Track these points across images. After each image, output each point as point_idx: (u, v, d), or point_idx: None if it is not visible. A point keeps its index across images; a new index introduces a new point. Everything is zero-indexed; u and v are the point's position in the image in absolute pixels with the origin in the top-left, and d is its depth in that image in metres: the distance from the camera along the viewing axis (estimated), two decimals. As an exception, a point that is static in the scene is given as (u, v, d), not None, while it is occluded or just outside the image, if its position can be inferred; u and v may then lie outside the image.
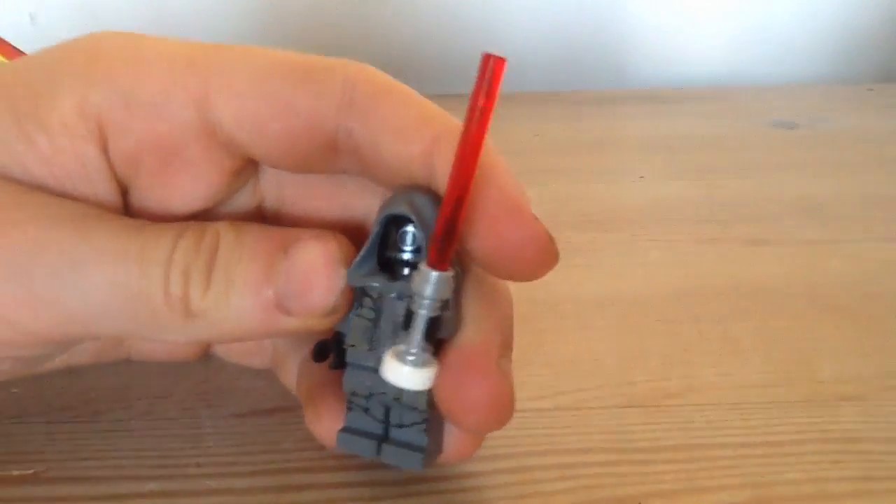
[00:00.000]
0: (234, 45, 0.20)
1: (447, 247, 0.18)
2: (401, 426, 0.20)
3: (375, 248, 0.20)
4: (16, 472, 0.22)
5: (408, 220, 0.19)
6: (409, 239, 0.20)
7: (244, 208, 0.23)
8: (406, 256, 0.20)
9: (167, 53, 0.20)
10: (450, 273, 0.18)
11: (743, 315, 0.31)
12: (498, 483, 0.22)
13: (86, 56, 0.20)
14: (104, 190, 0.20)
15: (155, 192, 0.21)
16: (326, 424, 0.21)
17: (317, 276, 0.19)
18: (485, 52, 0.17)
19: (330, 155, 0.20)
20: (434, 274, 0.18)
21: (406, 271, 0.20)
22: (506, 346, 0.21)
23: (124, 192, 0.21)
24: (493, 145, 0.19)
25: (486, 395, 0.19)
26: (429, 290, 0.18)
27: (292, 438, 0.24)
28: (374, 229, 0.19)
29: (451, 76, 0.68)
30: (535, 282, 0.33)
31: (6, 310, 0.18)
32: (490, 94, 0.17)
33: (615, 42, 0.69)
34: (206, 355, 0.26)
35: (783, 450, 0.23)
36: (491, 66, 0.17)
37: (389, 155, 0.19)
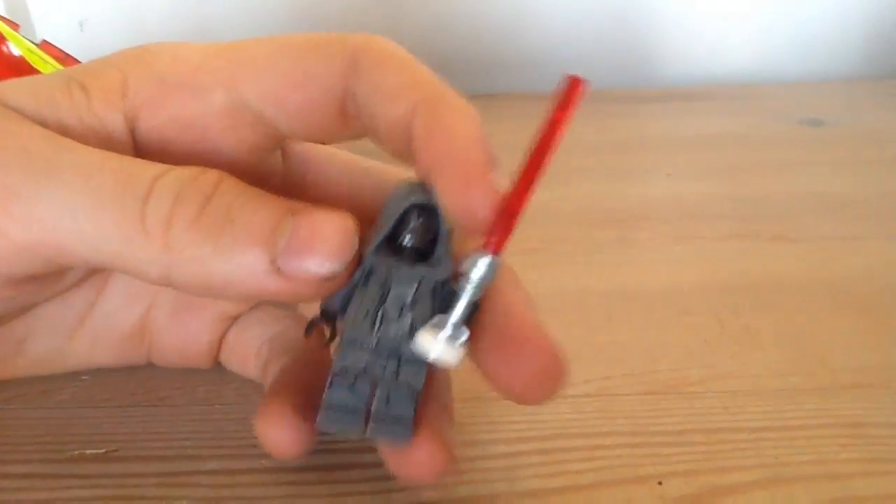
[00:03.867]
0: (259, 37, 0.22)
1: (505, 235, 0.19)
2: (388, 402, 0.20)
3: (392, 229, 0.20)
4: (89, 452, 0.25)
5: (419, 211, 0.20)
6: (412, 227, 0.20)
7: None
8: (407, 243, 0.20)
9: (200, 48, 0.22)
10: (500, 259, 0.19)
11: (762, 309, 0.32)
12: (528, 463, 0.24)
13: (133, 52, 0.23)
14: (123, 151, 0.21)
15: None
16: (273, 429, 0.21)
17: (324, 240, 0.19)
18: (569, 74, 0.19)
19: (342, 121, 0.22)
20: (488, 259, 0.19)
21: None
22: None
23: None
24: (455, 101, 0.20)
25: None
26: (476, 274, 0.19)
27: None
28: (393, 214, 0.20)
29: (481, 76, 0.69)
30: (563, 276, 0.35)
31: None
32: (563, 108, 0.19)
33: (642, 41, 0.70)
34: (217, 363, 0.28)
35: (796, 434, 0.25)
36: (569, 83, 0.19)
37: (380, 116, 0.20)
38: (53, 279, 0.23)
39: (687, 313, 0.32)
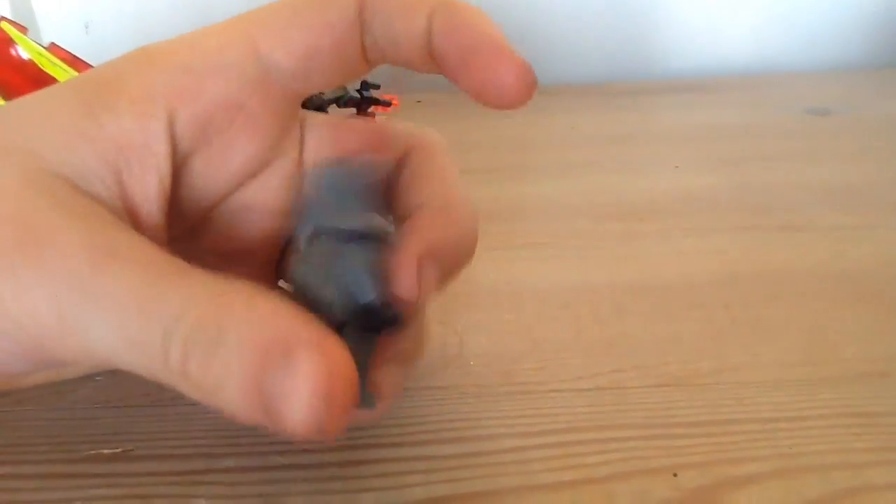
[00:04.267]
0: (265, 5, 0.23)
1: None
2: None
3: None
4: (106, 451, 0.25)
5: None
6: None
7: (287, 174, 0.25)
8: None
9: (209, 31, 0.23)
10: None
11: (773, 299, 0.32)
12: (541, 456, 0.24)
13: (143, 52, 0.22)
14: (162, 167, 0.22)
15: (217, 158, 0.23)
16: None
17: (300, 404, 0.17)
18: None
19: (363, 58, 0.23)
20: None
21: None
22: (438, 256, 0.22)
23: (180, 170, 0.23)
24: (466, 4, 0.22)
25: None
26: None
27: (352, 418, 0.26)
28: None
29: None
30: (573, 270, 0.35)
31: (39, 329, 0.19)
32: None
33: (647, 33, 0.70)
34: None
35: (809, 423, 0.25)
36: None
37: (401, 33, 0.22)
38: None
39: (697, 305, 0.32)
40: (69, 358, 0.20)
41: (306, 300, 0.22)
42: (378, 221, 0.23)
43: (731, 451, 0.24)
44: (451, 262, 0.23)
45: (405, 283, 0.21)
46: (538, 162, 0.49)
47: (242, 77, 0.22)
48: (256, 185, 0.24)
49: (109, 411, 0.27)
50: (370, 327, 0.22)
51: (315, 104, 0.45)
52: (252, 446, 0.25)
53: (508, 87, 0.21)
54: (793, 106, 0.58)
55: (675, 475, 0.23)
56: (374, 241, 0.22)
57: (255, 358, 0.18)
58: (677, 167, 0.47)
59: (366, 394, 0.21)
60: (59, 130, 0.21)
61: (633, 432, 0.25)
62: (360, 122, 0.27)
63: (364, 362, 0.21)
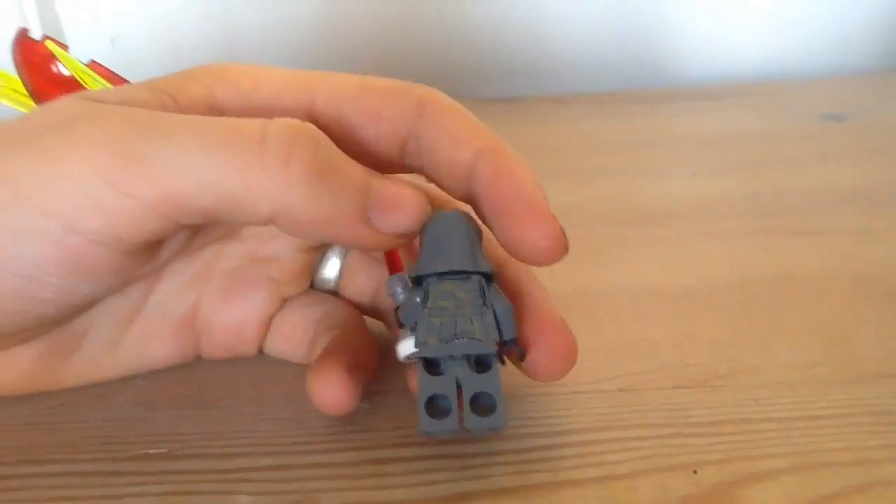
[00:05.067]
0: (338, 73, 0.25)
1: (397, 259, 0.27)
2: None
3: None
4: (152, 451, 0.26)
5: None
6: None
7: None
8: None
9: (281, 72, 0.25)
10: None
11: (789, 302, 0.33)
12: (566, 454, 0.25)
13: (216, 69, 0.24)
14: None
15: None
16: (323, 386, 0.25)
17: (406, 204, 0.22)
18: None
19: (400, 158, 0.25)
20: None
21: None
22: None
23: None
24: (513, 151, 0.24)
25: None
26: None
27: (386, 418, 0.27)
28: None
29: (502, 81, 0.70)
30: (592, 274, 0.36)
31: (105, 166, 0.21)
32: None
33: (659, 41, 0.71)
34: (262, 352, 0.31)
35: (825, 422, 0.26)
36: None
37: (444, 159, 0.24)
38: (156, 251, 0.25)
39: (714, 308, 0.33)
40: (123, 217, 0.21)
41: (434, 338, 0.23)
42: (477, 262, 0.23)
43: (748, 448, 0.25)
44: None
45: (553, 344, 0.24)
46: (556, 169, 0.50)
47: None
48: None
49: (153, 412, 0.28)
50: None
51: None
52: (291, 445, 0.26)
53: (542, 249, 0.23)
54: (807, 111, 0.58)
55: (694, 472, 0.24)
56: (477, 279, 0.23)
57: (360, 169, 0.22)
58: (693, 173, 0.48)
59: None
60: (123, 97, 0.23)
61: (653, 431, 0.26)
62: None
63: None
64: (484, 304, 0.23)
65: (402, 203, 0.22)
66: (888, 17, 0.70)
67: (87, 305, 0.26)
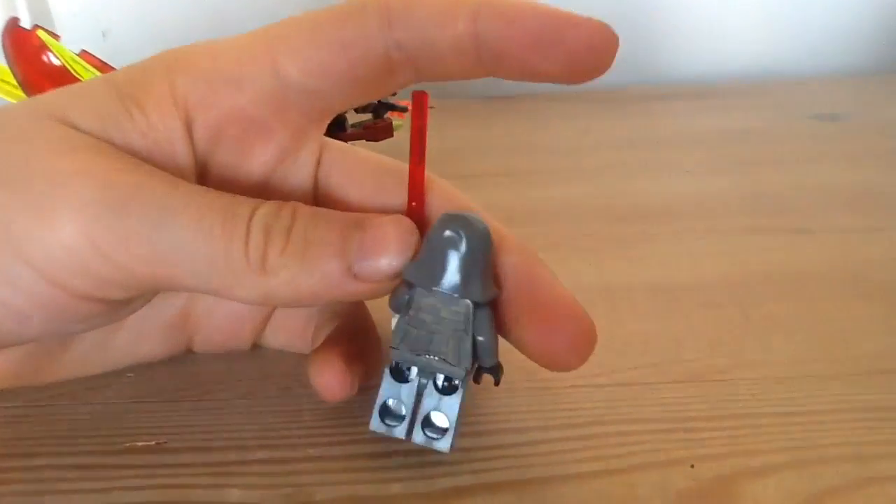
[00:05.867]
0: (286, 19, 0.24)
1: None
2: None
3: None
4: (140, 444, 0.26)
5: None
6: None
7: (300, 187, 0.26)
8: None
9: (232, 42, 0.23)
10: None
11: (785, 299, 0.33)
12: (564, 448, 0.25)
13: (169, 56, 0.23)
14: (185, 164, 0.23)
15: (233, 162, 0.24)
16: (322, 374, 0.24)
17: (388, 242, 0.22)
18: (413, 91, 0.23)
19: (388, 75, 0.23)
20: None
21: None
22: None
23: (202, 170, 0.24)
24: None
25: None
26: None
27: (379, 412, 0.27)
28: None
29: (495, 78, 0.70)
30: (589, 271, 0.36)
31: (103, 242, 0.20)
32: (420, 117, 0.23)
33: (654, 39, 0.71)
34: (256, 345, 0.30)
35: (822, 418, 0.26)
36: (416, 97, 0.23)
37: (440, 44, 0.21)
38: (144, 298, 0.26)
39: (712, 305, 0.33)
40: (96, 288, 0.21)
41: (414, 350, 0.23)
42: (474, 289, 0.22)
43: (746, 443, 0.25)
44: None
45: None
46: (552, 166, 0.50)
47: (257, 91, 0.23)
48: (271, 194, 0.25)
49: (142, 405, 0.27)
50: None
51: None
52: (283, 439, 0.25)
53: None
54: (801, 111, 0.58)
55: (692, 466, 0.24)
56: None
57: (336, 230, 0.22)
58: (689, 171, 0.48)
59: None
60: (93, 111, 0.22)
61: (651, 426, 0.26)
62: (383, 163, 0.27)
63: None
64: (465, 330, 0.22)
65: (383, 247, 0.22)
66: (881, 17, 0.70)
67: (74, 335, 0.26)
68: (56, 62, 0.34)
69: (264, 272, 0.21)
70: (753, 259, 0.36)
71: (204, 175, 0.24)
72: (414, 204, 0.24)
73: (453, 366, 0.22)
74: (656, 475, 0.23)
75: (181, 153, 0.23)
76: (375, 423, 0.23)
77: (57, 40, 0.34)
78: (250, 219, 0.21)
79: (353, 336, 0.27)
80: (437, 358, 0.22)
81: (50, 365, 0.27)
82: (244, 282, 0.21)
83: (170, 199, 0.21)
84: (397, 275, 0.22)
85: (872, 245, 0.37)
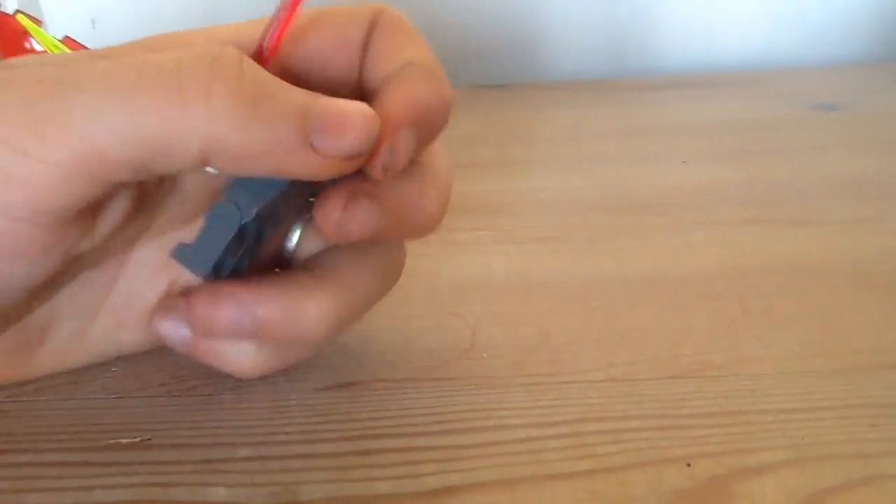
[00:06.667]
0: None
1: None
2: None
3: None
4: (124, 441, 0.25)
5: None
6: None
7: None
8: None
9: (226, 27, 0.24)
10: None
11: (784, 291, 0.32)
12: (556, 446, 0.24)
13: (137, 45, 0.23)
14: None
15: None
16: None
17: (353, 124, 0.20)
18: None
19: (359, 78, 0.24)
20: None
21: None
22: (417, 122, 0.22)
23: None
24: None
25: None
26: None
27: (368, 409, 0.26)
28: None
29: (490, 68, 0.69)
30: (584, 263, 0.35)
31: (9, 132, 0.19)
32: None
33: (649, 29, 0.70)
34: None
35: (822, 414, 0.25)
36: None
37: (374, 72, 0.23)
38: (91, 221, 0.23)
39: (709, 298, 0.32)
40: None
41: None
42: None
43: (744, 441, 0.24)
44: (430, 127, 0.23)
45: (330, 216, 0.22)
46: (545, 156, 0.49)
47: None
48: None
49: (126, 401, 0.27)
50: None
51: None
52: (270, 435, 0.25)
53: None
54: (799, 101, 0.58)
55: (688, 465, 0.23)
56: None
57: (298, 92, 0.20)
58: (685, 161, 0.47)
59: None
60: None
61: (646, 423, 0.25)
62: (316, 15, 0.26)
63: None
64: None
65: (348, 120, 0.20)
66: (880, 6, 0.69)
67: (32, 292, 0.23)
68: (38, 48, 0.33)
69: (209, 113, 0.19)
70: (751, 251, 0.36)
71: None
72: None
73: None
74: (652, 473, 0.23)
75: None
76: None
77: (38, 25, 0.33)
78: (178, 59, 0.19)
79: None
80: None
81: (28, 360, 0.26)
82: (181, 127, 0.19)
83: (73, 74, 0.19)
84: (353, 158, 0.21)
85: (873, 236, 0.37)
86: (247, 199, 0.22)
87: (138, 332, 0.27)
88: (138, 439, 0.25)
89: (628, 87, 0.63)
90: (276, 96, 0.20)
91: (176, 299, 0.25)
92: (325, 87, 0.23)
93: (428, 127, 0.23)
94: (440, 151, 0.25)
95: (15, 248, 0.20)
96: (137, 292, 0.27)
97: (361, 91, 0.24)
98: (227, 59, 0.20)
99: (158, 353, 0.28)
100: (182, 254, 0.22)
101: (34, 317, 0.25)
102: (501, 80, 0.67)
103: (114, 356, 0.28)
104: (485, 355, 0.28)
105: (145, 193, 0.24)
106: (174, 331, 0.24)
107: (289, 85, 0.21)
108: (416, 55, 0.23)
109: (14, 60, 0.21)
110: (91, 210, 0.22)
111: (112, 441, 0.25)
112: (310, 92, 0.21)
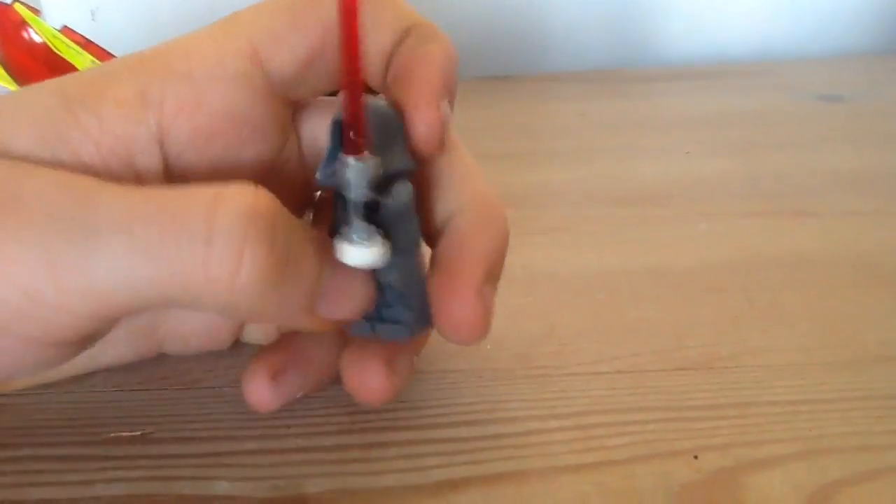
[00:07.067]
0: (252, 5, 0.22)
1: (354, 135, 0.19)
2: (389, 305, 0.22)
3: (335, 150, 0.20)
4: (125, 434, 0.25)
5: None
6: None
7: (294, 174, 0.24)
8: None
9: (206, 34, 0.22)
10: (365, 160, 0.19)
11: (789, 284, 0.32)
12: (562, 438, 0.24)
13: (136, 58, 0.21)
14: (150, 169, 0.21)
15: (226, 160, 0.22)
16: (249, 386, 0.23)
17: (352, 296, 0.21)
18: None
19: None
20: (351, 160, 0.19)
21: None
22: (492, 274, 0.22)
23: (181, 174, 0.21)
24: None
25: (464, 317, 0.21)
26: (350, 176, 0.19)
27: (371, 401, 0.26)
28: (330, 134, 0.20)
29: (493, 59, 0.69)
30: (588, 255, 0.35)
31: (27, 281, 0.17)
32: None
33: (654, 20, 0.69)
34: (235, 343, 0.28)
35: (829, 407, 0.25)
36: None
37: (371, 49, 0.22)
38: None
39: (714, 290, 0.32)
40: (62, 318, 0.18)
41: None
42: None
43: (751, 433, 0.24)
44: (454, 87, 0.22)
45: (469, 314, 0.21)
46: (549, 148, 0.49)
47: (245, 87, 0.21)
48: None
49: (128, 394, 0.27)
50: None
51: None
52: (272, 429, 0.25)
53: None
54: (803, 92, 0.57)
55: (695, 457, 0.23)
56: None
57: (311, 260, 0.20)
58: (689, 153, 0.47)
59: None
60: (30, 127, 0.20)
61: (652, 415, 0.25)
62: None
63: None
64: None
65: (351, 298, 0.21)
66: (884, -2, 0.69)
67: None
68: (37, 39, 0.33)
69: (232, 289, 0.18)
70: (756, 243, 0.35)
71: (184, 179, 0.22)
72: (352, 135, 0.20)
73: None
74: (658, 466, 0.23)
75: (144, 158, 0.21)
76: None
77: (37, 15, 0.33)
78: (211, 217, 0.18)
79: (287, 345, 0.24)
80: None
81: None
82: (202, 297, 0.18)
83: (91, 217, 0.18)
84: (347, 322, 0.22)
85: (879, 228, 0.36)
86: None
87: (124, 349, 0.27)
88: (139, 433, 0.25)
89: (633, 79, 0.63)
90: (297, 267, 0.19)
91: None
92: (312, 84, 0.22)
93: (454, 88, 0.22)
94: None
95: (25, 360, 0.20)
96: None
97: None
98: (263, 221, 0.18)
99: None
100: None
101: None
102: (505, 72, 0.67)
103: (97, 369, 0.27)
104: (489, 347, 0.28)
105: None
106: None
107: (308, 242, 0.20)
108: (411, 20, 0.22)
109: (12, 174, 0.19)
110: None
111: (113, 434, 0.25)
112: (321, 243, 0.20)
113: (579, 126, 0.53)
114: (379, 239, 0.20)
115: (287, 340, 0.24)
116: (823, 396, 0.25)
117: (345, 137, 0.19)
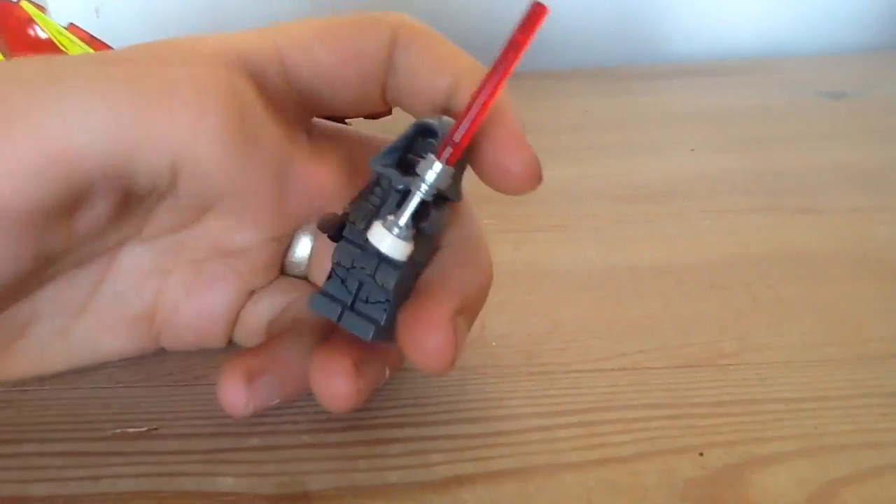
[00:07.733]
0: (299, 21, 0.23)
1: (457, 146, 0.21)
2: (367, 302, 0.22)
3: (402, 147, 0.22)
4: (131, 430, 0.25)
5: (434, 135, 0.22)
6: (430, 149, 0.22)
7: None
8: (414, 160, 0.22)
9: (241, 35, 0.22)
10: (451, 169, 0.21)
11: (793, 280, 0.32)
12: (567, 435, 0.24)
13: (154, 46, 0.21)
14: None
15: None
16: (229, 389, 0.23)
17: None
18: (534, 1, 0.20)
19: (381, 93, 0.24)
20: (438, 163, 0.21)
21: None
22: (467, 308, 0.23)
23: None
24: (507, 96, 0.23)
25: (431, 342, 0.21)
26: (429, 175, 0.21)
27: (377, 398, 0.26)
28: (406, 131, 0.22)
29: (493, 55, 0.69)
30: (592, 252, 0.35)
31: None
32: (526, 31, 0.20)
33: (657, 16, 0.69)
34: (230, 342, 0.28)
35: (834, 403, 0.25)
36: (533, 9, 0.20)
37: (423, 86, 0.23)
38: (66, 223, 0.21)
39: (718, 286, 0.32)
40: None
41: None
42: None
43: (756, 430, 0.24)
44: (476, 311, 0.24)
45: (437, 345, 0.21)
46: (553, 145, 0.49)
47: (263, 81, 0.22)
48: None
49: (133, 391, 0.27)
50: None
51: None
52: (278, 425, 0.25)
53: (515, 177, 0.22)
54: (806, 89, 0.57)
55: (701, 454, 0.23)
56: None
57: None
58: (693, 150, 0.47)
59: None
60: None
61: (657, 412, 0.25)
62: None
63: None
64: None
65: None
66: (888, -6, 0.69)
67: (5, 289, 0.21)
68: (43, 35, 0.33)
69: (195, 130, 0.19)
70: (760, 239, 0.35)
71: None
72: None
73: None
74: (663, 463, 0.23)
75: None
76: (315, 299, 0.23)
77: (42, 12, 0.33)
78: (182, 70, 0.19)
79: (271, 345, 0.24)
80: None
81: (5, 356, 0.25)
82: (159, 133, 0.19)
83: (57, 69, 0.19)
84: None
85: (882, 224, 0.36)
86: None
87: (122, 338, 0.26)
88: (145, 429, 0.25)
89: (636, 76, 0.62)
90: (261, 140, 0.20)
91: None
92: (329, 102, 0.23)
93: (476, 308, 0.24)
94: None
95: None
96: (124, 296, 0.26)
97: (384, 104, 0.24)
98: (236, 90, 0.20)
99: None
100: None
101: (13, 311, 0.24)
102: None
103: (95, 362, 0.27)
104: (494, 344, 0.28)
105: (132, 198, 0.22)
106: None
107: (275, 136, 0.21)
108: (452, 80, 0.23)
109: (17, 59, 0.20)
110: (64, 211, 0.20)
111: (118, 430, 0.25)
112: (287, 141, 0.22)
113: (583, 123, 0.53)
114: (412, 240, 0.21)
115: (266, 345, 0.24)
116: (827, 393, 0.25)
117: (444, 143, 0.21)
